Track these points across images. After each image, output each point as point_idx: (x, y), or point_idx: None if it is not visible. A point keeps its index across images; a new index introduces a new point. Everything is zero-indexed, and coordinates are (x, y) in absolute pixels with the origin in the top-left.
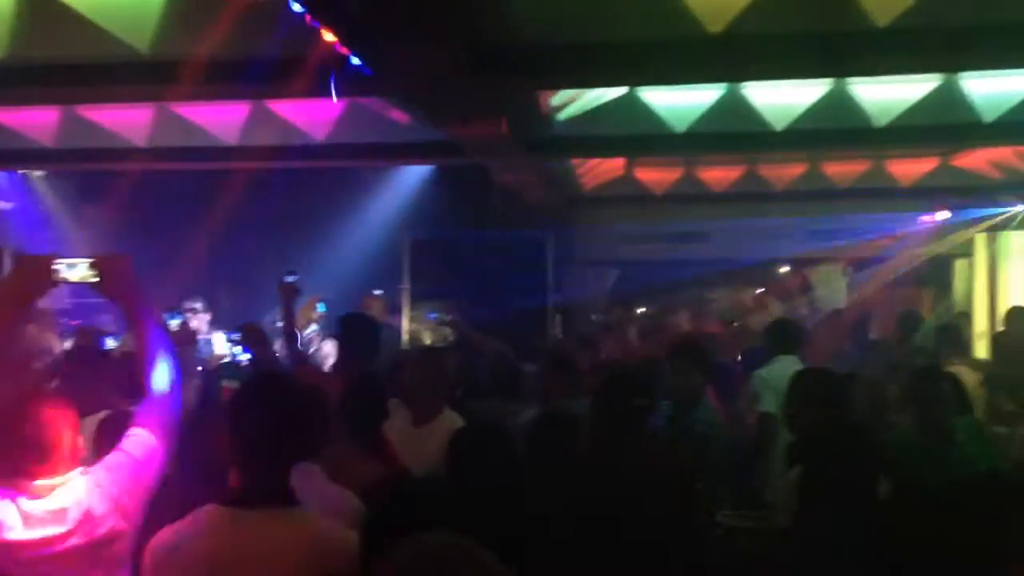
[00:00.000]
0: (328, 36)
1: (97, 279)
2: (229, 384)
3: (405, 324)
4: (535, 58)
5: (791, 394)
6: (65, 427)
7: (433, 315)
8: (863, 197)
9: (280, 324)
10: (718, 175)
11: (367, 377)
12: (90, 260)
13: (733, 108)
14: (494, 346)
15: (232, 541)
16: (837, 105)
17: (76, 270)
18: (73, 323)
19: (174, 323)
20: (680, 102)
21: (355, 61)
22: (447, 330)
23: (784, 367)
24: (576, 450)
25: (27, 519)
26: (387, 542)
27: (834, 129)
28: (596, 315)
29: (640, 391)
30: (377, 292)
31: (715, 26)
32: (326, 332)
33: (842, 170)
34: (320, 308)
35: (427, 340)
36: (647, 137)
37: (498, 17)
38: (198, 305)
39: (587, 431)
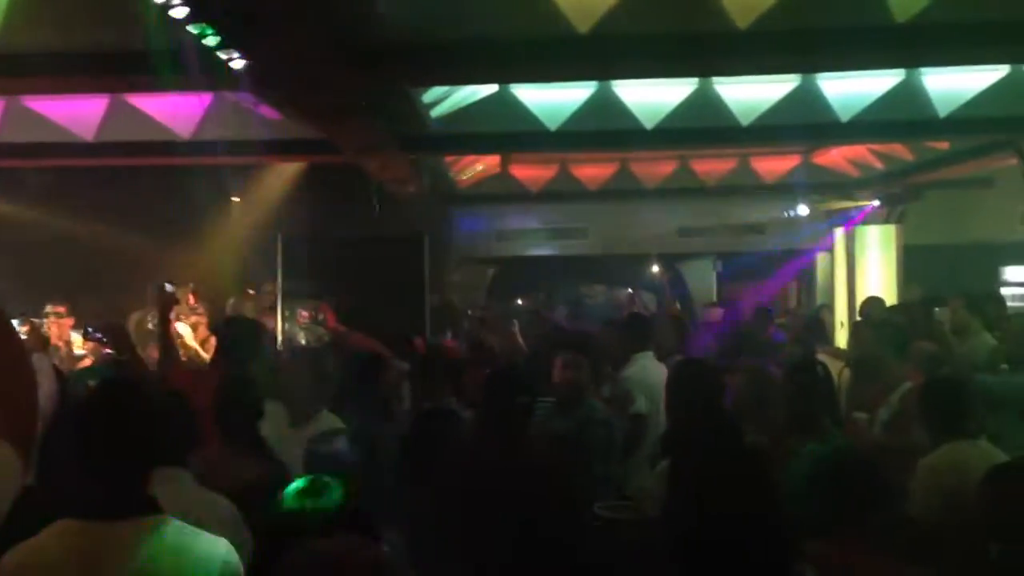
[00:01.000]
0: (197, 30)
1: None
2: (91, 382)
3: (279, 324)
4: (406, 55)
5: (670, 385)
6: None
7: (305, 313)
8: (730, 193)
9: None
10: (592, 172)
11: (238, 377)
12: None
13: (604, 106)
14: (368, 346)
15: (89, 556)
16: (703, 104)
17: None
18: None
19: (23, 328)
20: (552, 100)
21: (223, 55)
22: (322, 330)
23: (644, 365)
24: (455, 448)
25: None
26: (278, 546)
27: (701, 127)
28: (474, 311)
29: (524, 388)
30: (250, 291)
31: (583, 25)
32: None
33: (710, 167)
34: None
35: (302, 340)
36: (520, 134)
37: (368, 14)
38: (61, 309)
39: (469, 428)
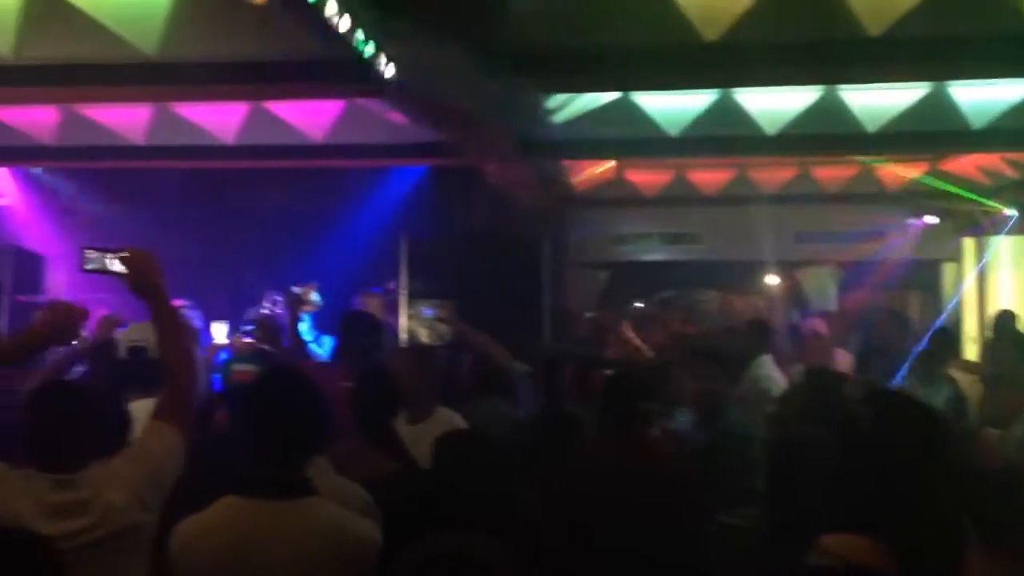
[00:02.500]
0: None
1: (125, 272)
2: (240, 367)
3: (403, 323)
4: (534, 62)
5: (793, 393)
6: (86, 418)
7: (429, 311)
8: (852, 201)
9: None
10: (709, 177)
11: (380, 372)
12: (119, 254)
13: (726, 112)
14: (490, 345)
15: (253, 531)
16: (828, 110)
17: (103, 262)
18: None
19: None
20: (673, 106)
21: (364, 62)
22: (444, 328)
23: (764, 369)
24: (576, 452)
25: (49, 511)
26: (401, 539)
27: (825, 134)
28: (589, 314)
29: (644, 394)
30: (375, 290)
31: (711, 33)
32: (319, 325)
33: (831, 174)
34: (315, 297)
35: (424, 339)
36: (640, 140)
37: (499, 21)
38: (188, 302)
39: (590, 433)
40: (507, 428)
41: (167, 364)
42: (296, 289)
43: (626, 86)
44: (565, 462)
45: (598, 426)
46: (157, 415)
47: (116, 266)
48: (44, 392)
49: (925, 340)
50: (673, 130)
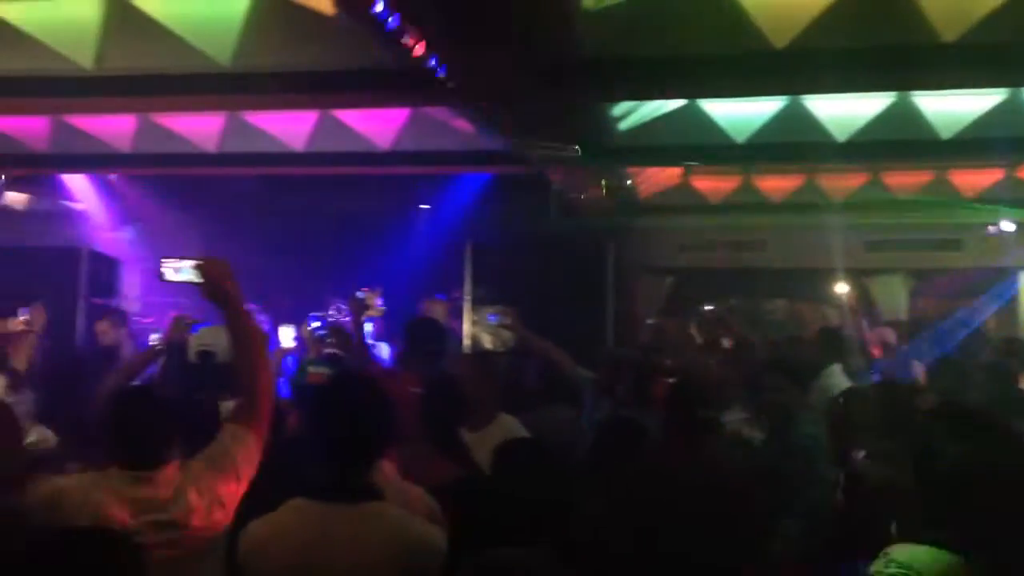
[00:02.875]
0: (411, 46)
1: (200, 281)
2: (315, 370)
3: (466, 329)
4: (601, 70)
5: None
6: (163, 419)
7: (493, 317)
8: (924, 208)
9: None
10: (776, 184)
11: (447, 379)
12: (194, 263)
13: (795, 119)
14: (553, 352)
15: (321, 534)
16: (901, 117)
17: (180, 272)
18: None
19: None
20: (740, 112)
21: (429, 71)
22: (507, 335)
23: (834, 379)
24: (640, 460)
25: (129, 505)
26: (464, 545)
27: (897, 140)
28: (650, 320)
29: (707, 402)
30: (440, 296)
31: (780, 41)
32: (383, 330)
33: (904, 181)
34: (379, 303)
35: (488, 345)
36: (707, 147)
37: (565, 29)
38: (255, 307)
39: (654, 440)
40: (571, 435)
41: (242, 369)
42: (361, 294)
43: (693, 94)
44: (628, 470)
45: (662, 434)
46: (234, 418)
47: (191, 275)
48: (127, 393)
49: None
50: (740, 137)
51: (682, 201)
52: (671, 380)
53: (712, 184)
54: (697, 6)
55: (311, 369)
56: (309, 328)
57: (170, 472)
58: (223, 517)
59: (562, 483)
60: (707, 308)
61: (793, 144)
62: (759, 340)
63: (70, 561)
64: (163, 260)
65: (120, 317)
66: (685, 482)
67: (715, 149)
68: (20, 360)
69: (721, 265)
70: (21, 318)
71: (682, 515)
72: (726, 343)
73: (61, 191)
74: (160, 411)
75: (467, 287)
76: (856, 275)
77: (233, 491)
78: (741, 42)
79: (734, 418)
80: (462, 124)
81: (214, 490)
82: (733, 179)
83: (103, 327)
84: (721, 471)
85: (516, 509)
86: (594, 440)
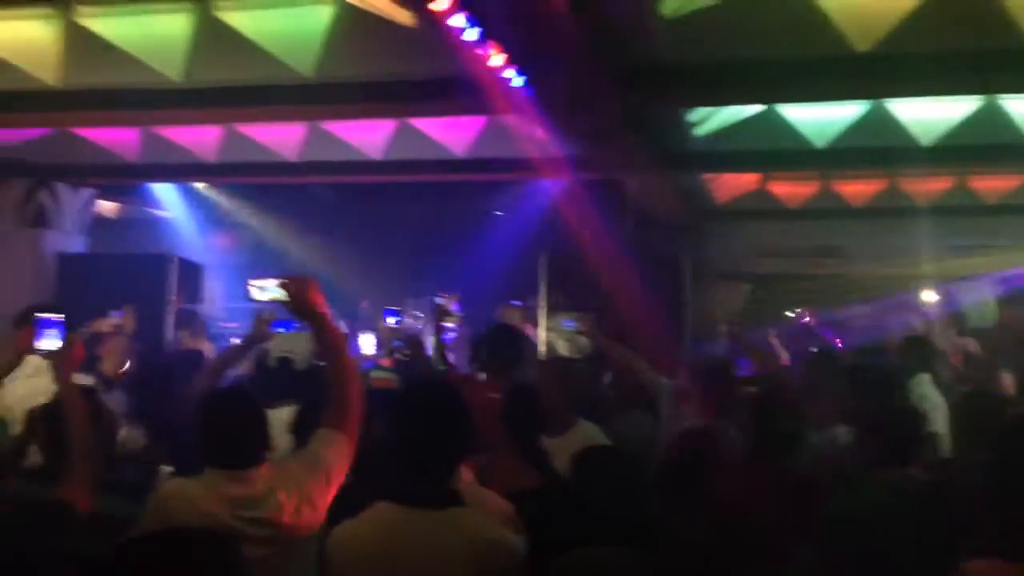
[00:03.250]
0: (489, 55)
1: (286, 299)
2: (379, 375)
3: (541, 336)
4: (679, 76)
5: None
6: (257, 420)
7: (569, 324)
8: (1014, 212)
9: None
10: (857, 189)
11: (528, 386)
12: (279, 281)
13: (877, 123)
14: (631, 359)
15: (403, 539)
16: (988, 120)
17: (266, 291)
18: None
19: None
20: (820, 117)
21: (508, 79)
22: (584, 341)
23: (922, 388)
24: (719, 470)
25: (228, 502)
26: (542, 552)
27: (984, 145)
28: (724, 327)
29: (790, 413)
30: (515, 303)
31: (863, 44)
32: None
33: (991, 185)
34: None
35: (563, 351)
36: (785, 152)
37: (643, 36)
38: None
39: (733, 451)
40: (649, 443)
41: (332, 376)
42: (440, 299)
43: (773, 99)
44: (707, 480)
45: (743, 444)
46: (326, 423)
47: (277, 293)
48: (221, 394)
49: None
50: (820, 141)
51: (760, 207)
52: (753, 389)
53: (791, 189)
54: (777, 11)
55: (375, 375)
56: (385, 323)
57: (263, 471)
58: (314, 517)
59: (640, 490)
60: (789, 314)
61: (876, 149)
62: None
63: (176, 561)
64: (250, 281)
65: (199, 326)
66: (766, 494)
67: (794, 154)
68: (111, 362)
69: (800, 271)
70: (111, 320)
71: (761, 528)
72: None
73: (149, 200)
74: (254, 412)
75: (542, 294)
76: (941, 282)
77: (323, 492)
78: (823, 46)
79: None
80: (538, 131)
81: (305, 490)
82: (812, 184)
83: (184, 336)
84: (805, 484)
85: (595, 516)
86: (672, 449)
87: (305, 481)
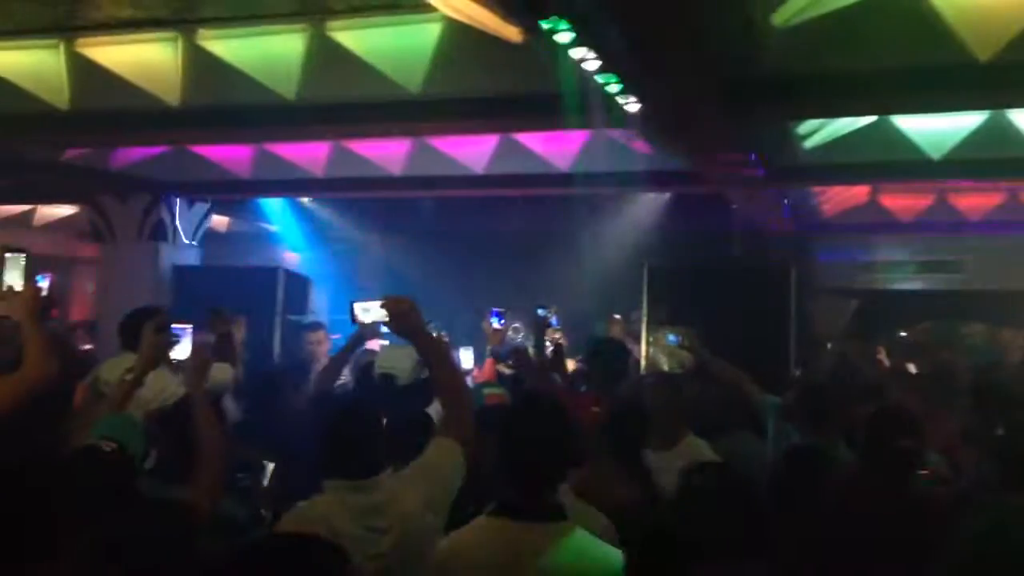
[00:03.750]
0: (590, 70)
1: (387, 319)
2: (491, 391)
3: (643, 350)
4: (788, 87)
5: None
6: (377, 430)
7: (673, 339)
8: None
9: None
10: (974, 202)
11: (633, 400)
12: (380, 302)
13: (997, 132)
14: (735, 375)
15: (508, 551)
16: None
17: (370, 312)
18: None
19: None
20: (936, 127)
21: (611, 94)
22: (685, 356)
23: None
24: (830, 492)
25: (351, 511)
26: (640, 569)
27: None
28: (831, 345)
29: (909, 432)
30: (616, 316)
31: (984, 53)
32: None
33: None
34: (553, 323)
35: (664, 366)
36: (898, 164)
37: (748, 47)
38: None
39: (842, 472)
40: (755, 461)
41: (443, 388)
42: (542, 312)
43: (887, 109)
44: (818, 502)
45: (856, 464)
46: (441, 432)
47: (380, 314)
48: (342, 407)
49: None
50: (936, 153)
51: (870, 220)
52: (866, 408)
53: (903, 202)
54: (893, 19)
55: (486, 391)
56: (489, 322)
57: (385, 480)
58: (435, 523)
59: (748, 511)
60: (902, 333)
61: (995, 160)
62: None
63: (277, 567)
64: (354, 303)
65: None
66: (880, 517)
67: (908, 166)
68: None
69: (911, 286)
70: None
71: (874, 551)
72: (914, 369)
73: (258, 214)
74: (374, 423)
75: (644, 308)
76: None
77: (442, 501)
78: (941, 55)
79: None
80: (641, 145)
81: (427, 497)
82: (926, 197)
83: (318, 337)
84: (921, 507)
85: (699, 533)
86: (779, 468)
87: (427, 489)
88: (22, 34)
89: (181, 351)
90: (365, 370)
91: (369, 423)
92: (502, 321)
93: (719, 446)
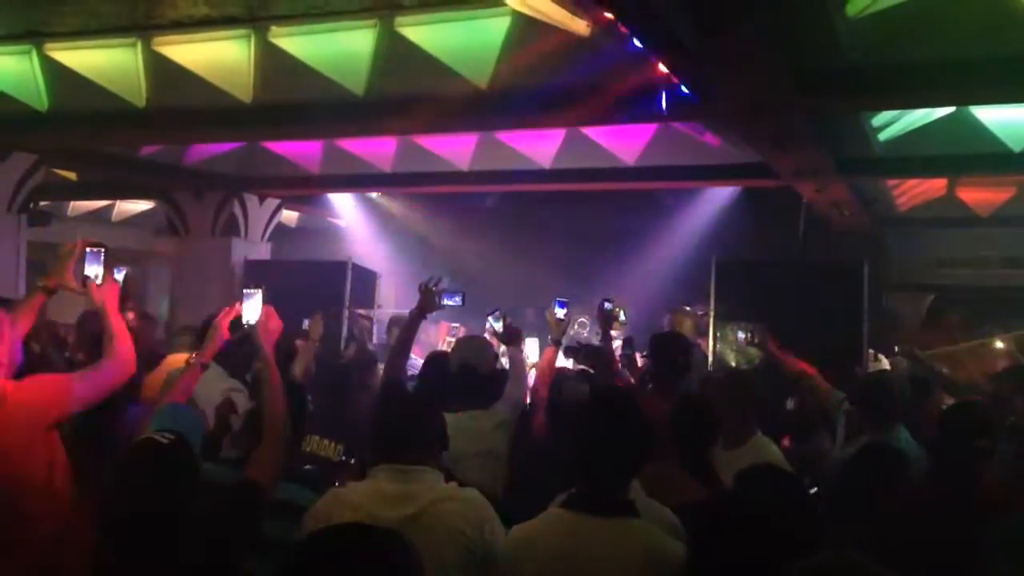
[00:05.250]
0: (659, 64)
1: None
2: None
3: (710, 345)
4: (861, 79)
5: None
6: (427, 417)
7: (741, 334)
8: None
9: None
10: None
11: (699, 397)
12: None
13: None
14: (806, 371)
15: (579, 544)
16: None
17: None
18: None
19: (498, 325)
20: (1016, 118)
21: (681, 87)
22: (754, 352)
23: None
24: (903, 490)
25: (393, 505)
26: (705, 566)
27: None
28: (901, 347)
29: (984, 430)
30: (687, 307)
31: None
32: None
33: None
34: (622, 316)
35: (732, 362)
36: (978, 156)
37: (822, 37)
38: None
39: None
40: (826, 458)
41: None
42: (608, 305)
43: (966, 100)
44: (890, 501)
45: (930, 462)
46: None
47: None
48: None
49: None
50: (1017, 145)
51: (946, 214)
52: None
53: (982, 195)
54: (970, 7)
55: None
56: (553, 311)
57: (427, 473)
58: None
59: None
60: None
61: None
62: None
63: (342, 558)
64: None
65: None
66: (954, 518)
67: (987, 158)
68: (301, 366)
69: (990, 282)
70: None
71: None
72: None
73: (326, 208)
74: (426, 411)
75: (711, 303)
76: None
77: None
78: (1020, 43)
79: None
80: (709, 138)
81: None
82: (1006, 190)
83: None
84: (998, 508)
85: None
86: (851, 465)
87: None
88: (103, 33)
89: (251, 312)
90: (439, 358)
91: (419, 411)
92: (566, 311)
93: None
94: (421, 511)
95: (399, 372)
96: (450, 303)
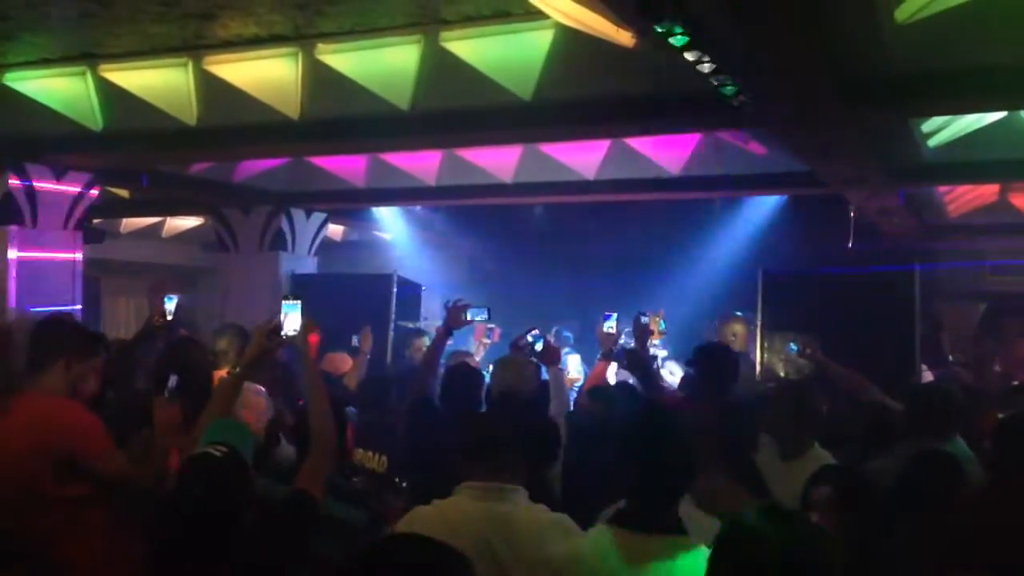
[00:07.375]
0: (703, 71)
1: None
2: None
3: (758, 355)
4: (911, 84)
5: None
6: (510, 435)
7: (794, 347)
8: None
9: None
10: None
11: (742, 408)
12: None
13: None
14: (859, 383)
15: (625, 561)
16: None
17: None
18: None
19: (538, 345)
20: None
21: (727, 96)
22: (803, 362)
23: None
24: (958, 502)
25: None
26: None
27: None
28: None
29: None
30: (738, 313)
31: None
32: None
33: None
34: (662, 325)
35: (780, 372)
36: None
37: (869, 44)
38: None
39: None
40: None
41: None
42: (644, 318)
43: (1018, 105)
44: (945, 512)
45: (987, 473)
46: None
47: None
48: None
49: None
50: None
51: (999, 220)
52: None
53: None
54: (1021, 12)
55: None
56: (601, 326)
57: (515, 492)
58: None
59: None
60: None
61: None
62: None
63: (398, 571)
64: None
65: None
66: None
67: None
68: (352, 378)
69: None
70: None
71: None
72: None
73: (371, 222)
74: (507, 427)
75: (758, 313)
76: None
77: None
78: None
79: None
80: (755, 147)
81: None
82: None
83: (420, 344)
84: None
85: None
86: (906, 475)
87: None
88: (155, 54)
89: (291, 323)
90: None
91: (503, 429)
92: (614, 324)
93: (844, 456)
94: (509, 537)
95: (429, 391)
96: (477, 319)
